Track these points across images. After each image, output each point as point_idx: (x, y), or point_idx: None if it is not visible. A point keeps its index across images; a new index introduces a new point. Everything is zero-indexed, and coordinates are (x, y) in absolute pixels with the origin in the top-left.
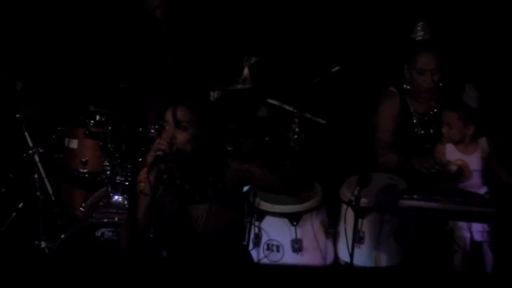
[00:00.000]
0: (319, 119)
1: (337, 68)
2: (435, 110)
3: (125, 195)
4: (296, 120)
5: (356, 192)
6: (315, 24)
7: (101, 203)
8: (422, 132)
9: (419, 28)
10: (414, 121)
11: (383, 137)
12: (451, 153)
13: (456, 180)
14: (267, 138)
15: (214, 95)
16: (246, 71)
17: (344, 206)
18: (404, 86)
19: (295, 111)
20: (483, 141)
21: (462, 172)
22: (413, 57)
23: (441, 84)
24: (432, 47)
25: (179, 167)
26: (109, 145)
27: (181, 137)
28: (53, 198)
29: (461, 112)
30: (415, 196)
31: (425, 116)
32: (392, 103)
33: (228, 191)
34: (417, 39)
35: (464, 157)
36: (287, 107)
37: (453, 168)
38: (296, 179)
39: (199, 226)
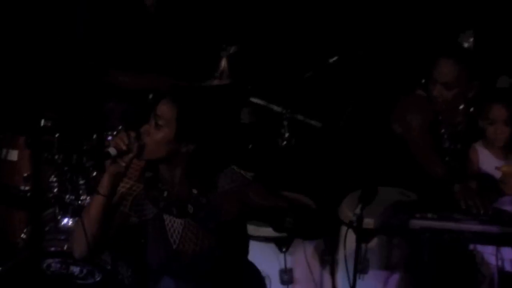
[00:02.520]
0: (313, 122)
1: (335, 58)
2: (463, 123)
3: (76, 218)
4: (286, 123)
5: (358, 211)
6: (307, 3)
7: (47, 228)
8: (450, 146)
9: (470, 36)
10: (443, 131)
11: (424, 141)
12: (486, 159)
13: (497, 192)
14: (250, 146)
15: None
16: (223, 63)
17: (344, 228)
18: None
19: (284, 112)
20: None
21: (506, 181)
22: (434, 63)
23: (471, 110)
24: (457, 56)
25: (161, 171)
26: (56, 157)
27: (154, 136)
28: None
29: (510, 106)
30: (429, 215)
31: (453, 128)
32: (423, 108)
33: (216, 214)
34: (463, 44)
35: (499, 164)
36: (275, 108)
37: (496, 176)
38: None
39: (174, 242)
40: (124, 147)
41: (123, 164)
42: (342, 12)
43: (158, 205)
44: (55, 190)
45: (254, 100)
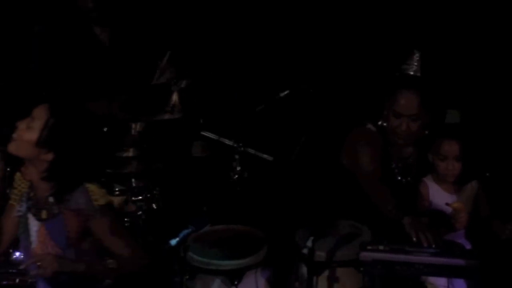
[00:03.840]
0: (265, 155)
1: (286, 92)
2: (414, 155)
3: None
4: (237, 156)
5: (309, 244)
6: (260, 38)
7: None
8: (402, 179)
9: (414, 60)
10: (393, 165)
11: (374, 174)
12: (437, 194)
13: (448, 227)
14: (201, 180)
15: (136, 127)
16: (175, 97)
17: (295, 261)
18: (380, 122)
19: (236, 145)
20: (474, 183)
21: (457, 217)
22: (393, 95)
23: (426, 132)
24: (418, 87)
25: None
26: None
27: (22, 134)
28: None
29: (461, 143)
30: (380, 247)
31: (403, 162)
32: (373, 143)
33: (62, 228)
34: (406, 72)
35: (450, 199)
36: (226, 141)
37: (447, 211)
38: None
39: (33, 242)
40: None
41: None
42: (292, 46)
43: (27, 203)
44: None
45: (206, 133)
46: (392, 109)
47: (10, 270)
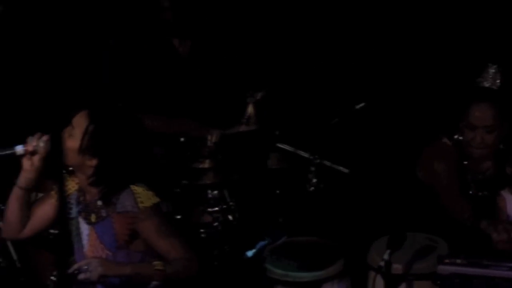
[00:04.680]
0: (340, 168)
1: (362, 104)
2: (491, 169)
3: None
4: (313, 168)
5: (386, 256)
6: (335, 50)
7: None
8: (478, 193)
9: (489, 73)
10: (469, 178)
11: (450, 187)
12: None
13: None
14: (278, 191)
15: (212, 138)
16: (250, 109)
17: (372, 273)
18: (456, 136)
19: (312, 158)
20: None
21: None
22: (468, 107)
23: (501, 146)
24: (493, 99)
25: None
26: None
27: (65, 143)
28: (18, 265)
29: None
30: (458, 261)
31: (480, 175)
32: (448, 156)
33: (111, 231)
34: (481, 85)
35: None
36: (302, 154)
37: None
38: None
39: (85, 246)
40: (30, 148)
41: (28, 165)
42: (370, 59)
43: (78, 207)
44: None
45: (282, 146)
46: (467, 121)
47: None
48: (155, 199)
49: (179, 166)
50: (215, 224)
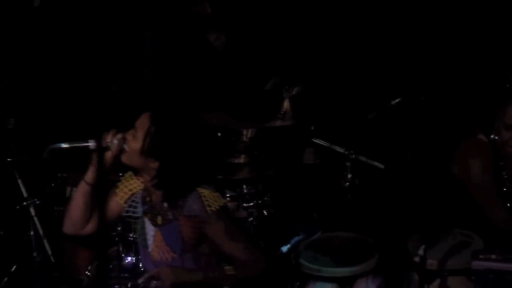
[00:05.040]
0: (376, 163)
1: (398, 100)
2: None
3: (140, 257)
4: (349, 164)
5: (421, 252)
6: (371, 46)
7: (110, 266)
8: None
9: None
10: (505, 176)
11: (485, 185)
12: None
13: None
14: (313, 187)
15: (247, 133)
16: (286, 104)
17: (407, 269)
18: (492, 136)
19: (347, 153)
20: None
21: None
22: (503, 107)
23: None
24: None
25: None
26: None
27: (129, 144)
28: (53, 260)
29: None
30: (493, 256)
31: None
32: (484, 154)
33: (178, 233)
34: None
35: None
36: (338, 149)
37: None
38: None
39: (150, 246)
40: (104, 144)
41: (96, 162)
42: (406, 55)
43: (143, 207)
44: (119, 228)
45: (317, 141)
46: (503, 122)
47: (122, 275)
48: (221, 201)
49: (213, 159)
50: (250, 219)
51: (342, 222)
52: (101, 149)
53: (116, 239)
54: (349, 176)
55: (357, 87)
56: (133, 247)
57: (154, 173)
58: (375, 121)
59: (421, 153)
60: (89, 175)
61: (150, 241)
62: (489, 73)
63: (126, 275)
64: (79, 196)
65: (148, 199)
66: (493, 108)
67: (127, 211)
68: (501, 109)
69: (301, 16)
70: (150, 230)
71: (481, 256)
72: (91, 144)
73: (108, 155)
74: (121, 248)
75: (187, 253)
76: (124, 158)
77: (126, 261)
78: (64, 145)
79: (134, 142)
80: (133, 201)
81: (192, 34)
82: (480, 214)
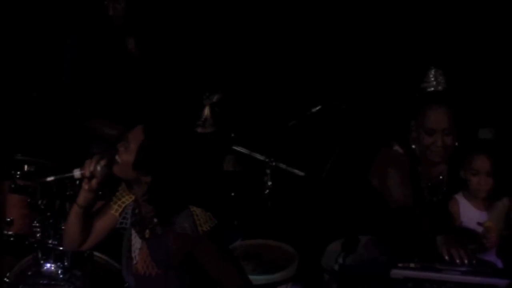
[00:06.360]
0: (296, 171)
1: (318, 107)
2: (444, 173)
3: (58, 263)
4: (268, 171)
5: (340, 260)
6: (292, 54)
7: (29, 273)
8: (430, 199)
9: (431, 76)
10: (422, 186)
11: (402, 200)
12: (467, 211)
13: (479, 246)
14: (233, 194)
15: None
16: (207, 111)
17: (326, 277)
18: (410, 144)
19: (268, 160)
20: (505, 199)
21: (488, 237)
22: (421, 113)
23: (456, 144)
24: (445, 101)
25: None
26: (39, 202)
27: (122, 156)
28: None
29: (494, 158)
30: (411, 265)
31: (433, 181)
32: (401, 165)
33: (165, 250)
34: (427, 89)
35: (481, 216)
36: (258, 156)
37: (478, 229)
38: None
39: (135, 258)
40: (87, 173)
41: (86, 187)
42: (325, 62)
43: (132, 218)
44: (38, 235)
45: (238, 148)
46: (424, 127)
47: (41, 282)
48: (213, 222)
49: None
50: None
51: (262, 229)
52: (86, 178)
53: (35, 245)
54: (269, 183)
55: (277, 94)
56: (52, 254)
57: (146, 187)
58: (296, 128)
59: (341, 161)
60: (80, 199)
61: (136, 254)
62: (395, 80)
63: (44, 281)
64: (72, 217)
65: (137, 211)
66: (407, 117)
67: (121, 223)
68: (420, 115)
69: (221, 21)
70: (137, 242)
71: (400, 265)
72: (76, 173)
73: (94, 182)
74: (40, 255)
75: (172, 271)
76: (116, 170)
77: (45, 267)
78: (50, 178)
79: (127, 155)
80: (126, 213)
81: (111, 39)
82: (399, 222)
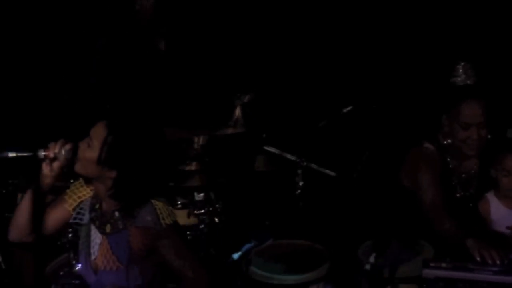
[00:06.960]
0: (327, 171)
1: (349, 108)
2: (475, 168)
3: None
4: (300, 172)
5: (372, 260)
6: (322, 54)
7: (61, 273)
8: (462, 194)
9: (460, 71)
10: (454, 182)
11: (433, 200)
12: (498, 210)
13: (510, 246)
14: (264, 194)
15: (199, 141)
16: (238, 111)
17: (357, 277)
18: (441, 140)
19: (299, 161)
20: None
21: None
22: (455, 108)
23: (489, 137)
24: (478, 95)
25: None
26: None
27: (84, 153)
28: (3, 266)
29: None
30: (443, 265)
31: (464, 175)
32: (432, 163)
33: (126, 244)
34: (457, 84)
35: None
36: (289, 156)
37: (507, 232)
38: None
39: (94, 253)
40: (51, 155)
41: (47, 170)
42: (358, 63)
43: (91, 214)
44: (70, 235)
45: (269, 148)
46: (459, 122)
47: (74, 281)
48: (174, 216)
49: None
50: (201, 226)
51: (293, 230)
52: (49, 159)
53: (67, 246)
54: (301, 183)
55: (308, 94)
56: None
57: (111, 182)
58: (326, 128)
59: (372, 161)
60: (38, 184)
61: (95, 249)
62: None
63: (77, 281)
64: (26, 203)
65: (97, 206)
66: (439, 112)
67: (75, 218)
68: (453, 109)
69: (252, 22)
70: (97, 238)
71: (432, 264)
72: (40, 153)
73: (56, 164)
74: (72, 255)
75: (133, 265)
76: (78, 168)
77: (77, 267)
78: (11, 154)
79: (90, 152)
80: (81, 208)
81: (141, 41)
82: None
